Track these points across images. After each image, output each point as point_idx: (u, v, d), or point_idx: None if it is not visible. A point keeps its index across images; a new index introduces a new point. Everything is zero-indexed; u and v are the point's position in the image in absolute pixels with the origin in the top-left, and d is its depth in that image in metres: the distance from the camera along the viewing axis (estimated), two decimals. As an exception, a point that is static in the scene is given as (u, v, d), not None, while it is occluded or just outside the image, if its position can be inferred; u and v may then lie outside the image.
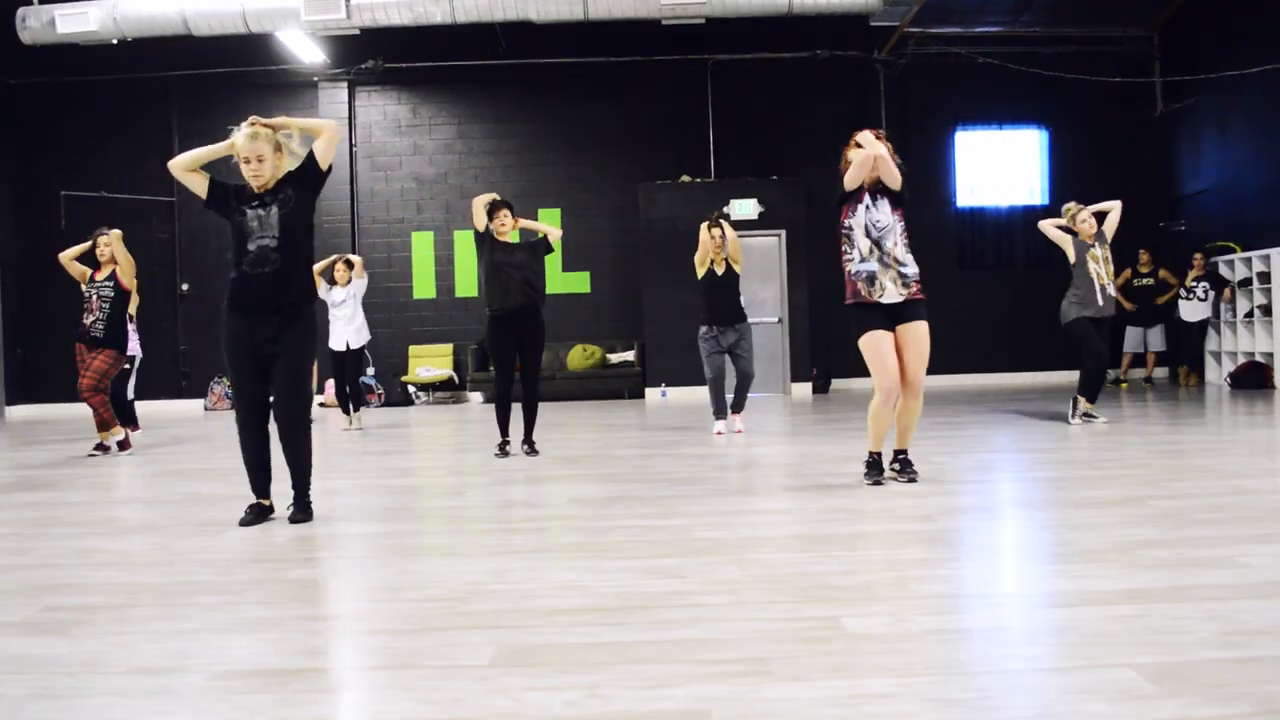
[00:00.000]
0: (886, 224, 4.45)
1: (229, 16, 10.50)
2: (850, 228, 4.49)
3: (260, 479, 4.01)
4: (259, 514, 3.99)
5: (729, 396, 7.25)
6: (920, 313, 4.45)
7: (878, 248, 4.43)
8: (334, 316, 8.69)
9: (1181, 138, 12.91)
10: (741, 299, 7.14)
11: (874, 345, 4.42)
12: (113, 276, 7.00)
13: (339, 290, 8.72)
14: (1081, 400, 7.06)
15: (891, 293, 4.40)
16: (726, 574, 2.90)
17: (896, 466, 4.59)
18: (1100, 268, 6.98)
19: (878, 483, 4.48)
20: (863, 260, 4.44)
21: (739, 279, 7.08)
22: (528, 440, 6.25)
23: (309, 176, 3.98)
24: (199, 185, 3.93)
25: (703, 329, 7.12)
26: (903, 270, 4.42)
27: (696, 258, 7.08)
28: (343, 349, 8.74)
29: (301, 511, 3.99)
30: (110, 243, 6.99)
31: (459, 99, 13.35)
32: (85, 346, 6.95)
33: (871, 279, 4.41)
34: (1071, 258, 7.10)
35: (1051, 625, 2.36)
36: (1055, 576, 2.81)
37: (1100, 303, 6.96)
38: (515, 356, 6.20)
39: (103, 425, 6.92)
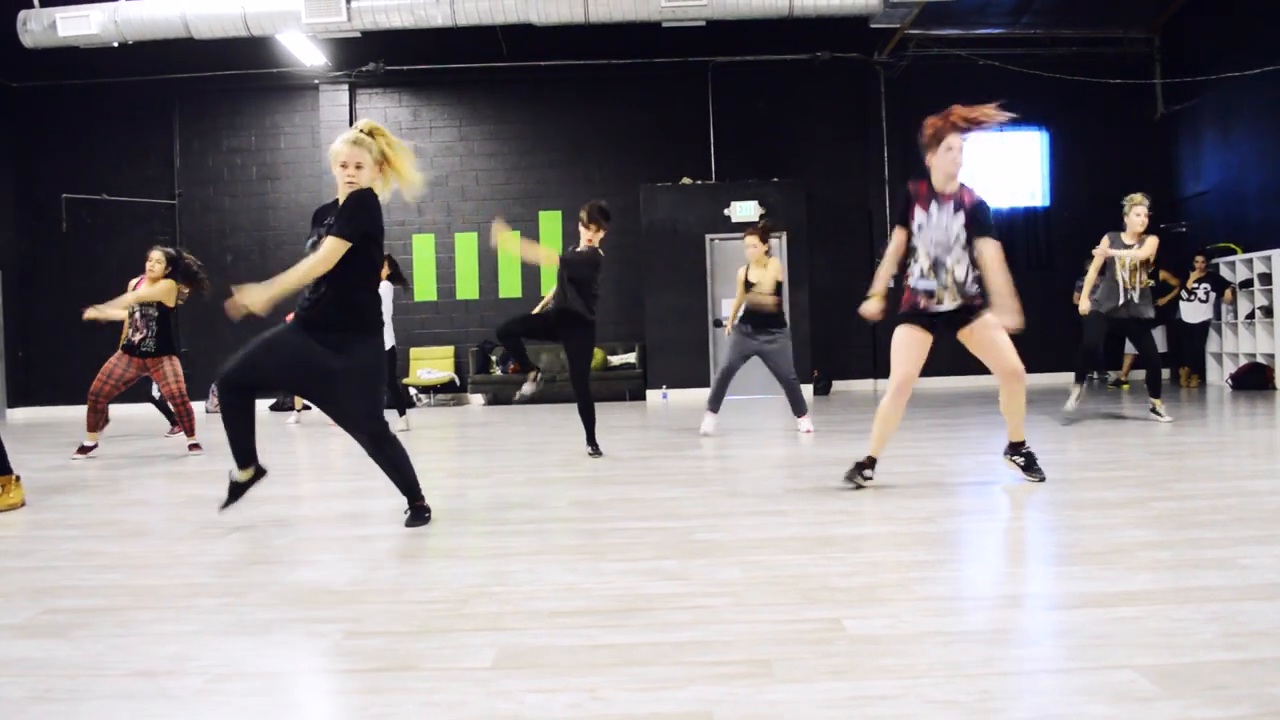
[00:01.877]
0: (945, 241, 4.30)
1: (230, 19, 10.51)
2: (914, 246, 4.39)
3: (240, 447, 3.84)
4: (233, 493, 3.88)
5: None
6: (981, 311, 4.35)
7: (934, 270, 4.32)
8: None
9: (1182, 139, 12.92)
10: (780, 308, 7.30)
11: (903, 336, 4.38)
12: None
13: None
14: (1075, 388, 7.23)
15: (948, 303, 4.33)
16: (727, 576, 2.89)
17: (1021, 461, 4.49)
18: (1126, 273, 7.04)
19: (858, 485, 4.40)
20: (922, 276, 4.34)
21: (779, 288, 7.23)
22: (590, 442, 6.26)
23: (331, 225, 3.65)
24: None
25: (740, 325, 7.32)
26: (963, 288, 4.31)
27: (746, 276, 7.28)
28: None
29: (416, 517, 3.87)
30: (161, 259, 7.09)
31: (460, 101, 13.37)
32: (131, 356, 7.07)
33: (930, 293, 4.34)
34: (1103, 255, 7.12)
35: (1053, 627, 2.35)
36: (1057, 578, 2.81)
37: (1120, 301, 7.04)
38: (545, 324, 6.19)
39: (190, 430, 7.27)
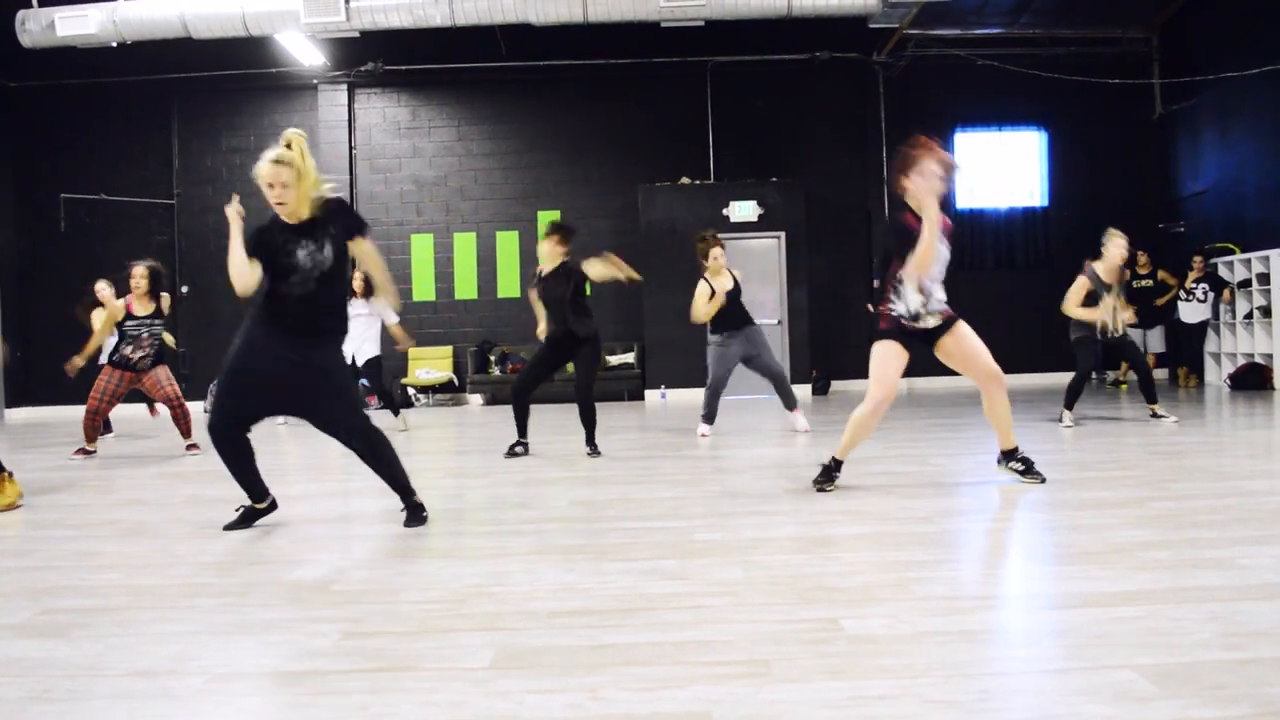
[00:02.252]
0: (940, 274, 4.32)
1: (228, 19, 10.50)
2: (901, 280, 4.32)
3: (248, 487, 3.90)
4: (246, 516, 3.93)
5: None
6: (954, 323, 4.40)
7: (924, 295, 4.32)
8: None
9: (1180, 139, 12.92)
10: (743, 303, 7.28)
11: (883, 353, 4.37)
12: (159, 313, 7.14)
13: (358, 302, 8.44)
14: (1065, 412, 7.19)
15: (931, 323, 4.37)
16: (726, 576, 2.90)
17: (1019, 467, 4.50)
18: (1108, 314, 7.14)
19: (823, 489, 4.41)
20: (908, 311, 4.34)
21: (740, 287, 7.23)
22: (589, 443, 6.31)
23: (350, 231, 3.79)
24: (256, 273, 3.78)
25: (712, 337, 7.26)
26: (941, 305, 4.37)
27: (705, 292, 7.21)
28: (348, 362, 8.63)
29: (414, 517, 3.89)
30: (146, 275, 7.07)
31: (459, 101, 13.36)
32: (124, 371, 7.08)
33: (915, 318, 4.36)
34: (1084, 290, 7.17)
35: (1051, 627, 2.36)
36: (1055, 578, 2.81)
37: (1099, 338, 7.22)
38: (550, 361, 6.32)
39: (187, 431, 7.33)
